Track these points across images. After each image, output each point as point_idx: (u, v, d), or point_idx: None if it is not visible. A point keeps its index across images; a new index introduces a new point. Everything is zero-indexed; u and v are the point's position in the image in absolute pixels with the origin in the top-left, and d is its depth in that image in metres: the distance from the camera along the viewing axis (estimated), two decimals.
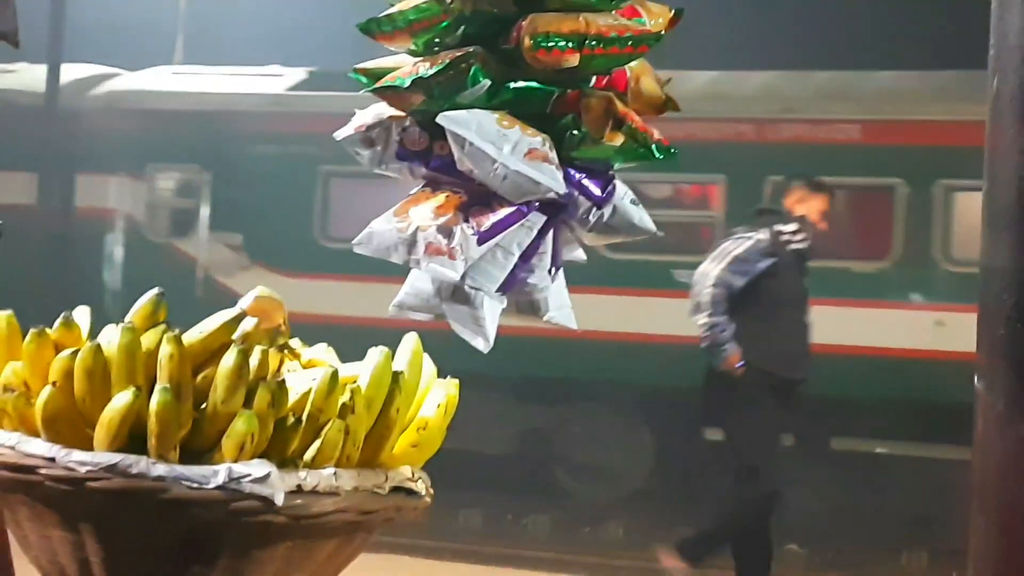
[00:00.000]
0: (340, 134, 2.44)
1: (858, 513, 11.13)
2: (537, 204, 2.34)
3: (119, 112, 13.74)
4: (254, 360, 2.25)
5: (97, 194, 13.70)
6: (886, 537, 10.77)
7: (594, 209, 2.39)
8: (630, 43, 2.34)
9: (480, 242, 2.30)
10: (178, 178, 13.72)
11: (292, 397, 2.27)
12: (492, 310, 2.35)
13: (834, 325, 9.67)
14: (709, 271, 7.10)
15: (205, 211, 13.40)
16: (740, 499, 7.15)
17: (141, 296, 2.41)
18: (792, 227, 7.20)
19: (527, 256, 2.35)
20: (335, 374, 2.29)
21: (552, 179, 2.30)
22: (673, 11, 2.42)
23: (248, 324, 2.36)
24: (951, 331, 10.56)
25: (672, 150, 2.41)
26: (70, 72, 14.07)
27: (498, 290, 2.34)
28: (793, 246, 7.19)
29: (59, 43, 14.34)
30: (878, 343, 11.08)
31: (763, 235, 7.15)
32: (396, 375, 2.37)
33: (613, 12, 2.36)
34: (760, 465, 7.01)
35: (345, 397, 2.28)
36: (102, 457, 2.17)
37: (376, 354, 2.37)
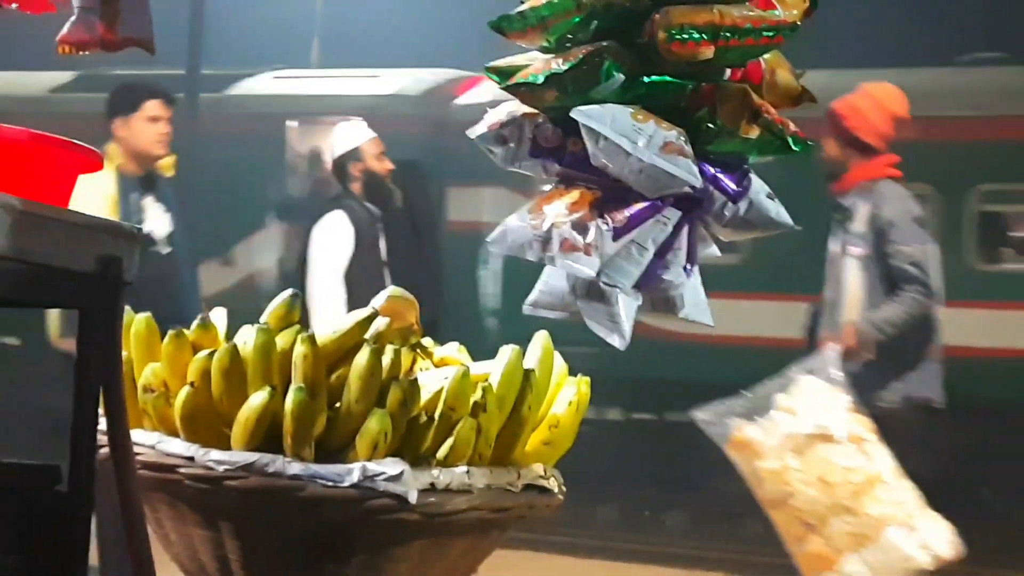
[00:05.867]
0: (473, 132, 2.43)
1: None
2: (672, 199, 2.31)
3: None
4: (387, 359, 2.25)
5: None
6: None
7: (729, 204, 2.35)
8: (765, 34, 2.30)
9: (615, 238, 2.27)
10: None
11: (424, 395, 2.27)
12: (628, 307, 2.32)
13: None
14: None
15: None
16: None
17: None
18: None
19: (662, 252, 2.32)
20: (466, 372, 2.29)
21: (688, 172, 2.27)
22: (808, 1, 2.37)
23: (380, 323, 2.37)
24: None
25: (809, 143, 2.36)
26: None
27: (633, 287, 2.31)
28: None
29: (198, 48, 14.59)
30: None
31: None
32: (527, 373, 2.36)
33: (747, 3, 2.33)
34: None
35: (477, 395, 2.28)
36: (239, 456, 2.19)
37: (507, 352, 2.36)
